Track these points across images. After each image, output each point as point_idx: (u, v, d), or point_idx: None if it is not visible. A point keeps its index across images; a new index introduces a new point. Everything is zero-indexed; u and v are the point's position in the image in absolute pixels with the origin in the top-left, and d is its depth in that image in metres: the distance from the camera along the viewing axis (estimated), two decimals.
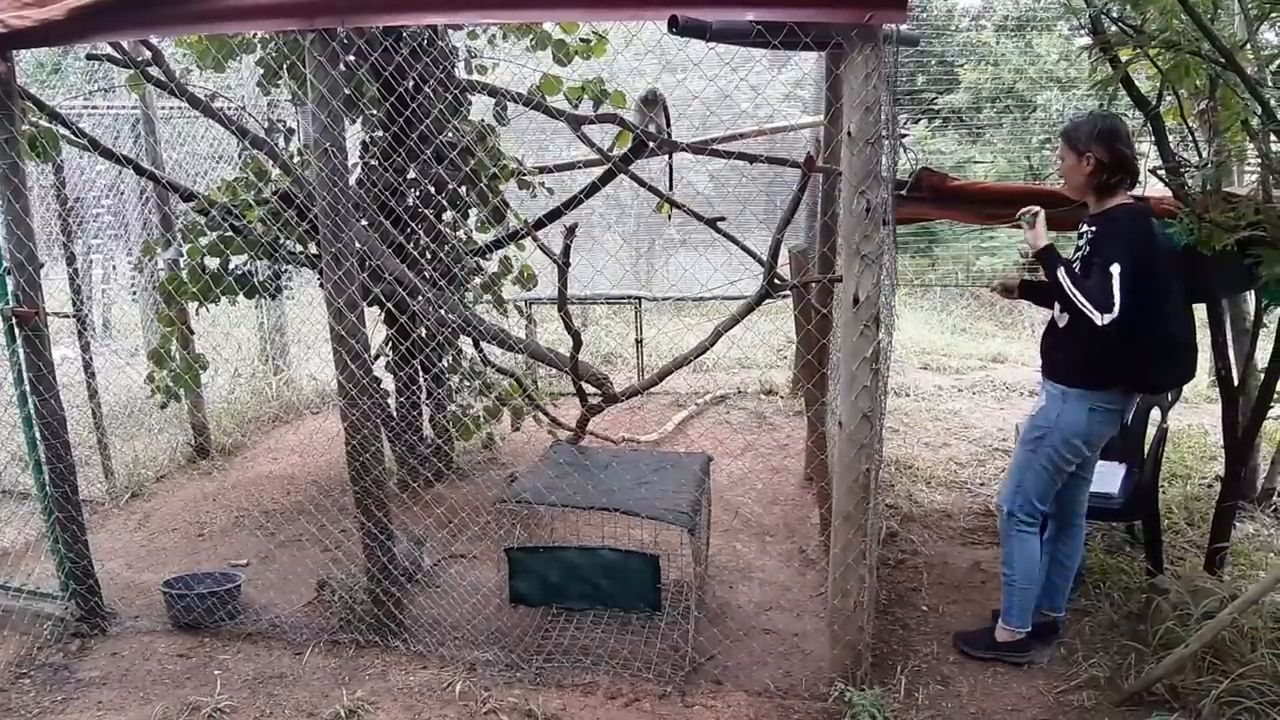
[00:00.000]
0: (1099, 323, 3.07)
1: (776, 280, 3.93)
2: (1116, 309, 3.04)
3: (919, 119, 12.17)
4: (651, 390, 5.32)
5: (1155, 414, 4.17)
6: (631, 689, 3.34)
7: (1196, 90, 3.58)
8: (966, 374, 8.25)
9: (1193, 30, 3.08)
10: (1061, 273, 3.19)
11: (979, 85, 12.29)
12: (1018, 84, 11.94)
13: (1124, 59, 3.41)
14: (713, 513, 4.40)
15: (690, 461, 4.17)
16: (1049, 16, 11.41)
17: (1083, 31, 3.65)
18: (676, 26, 3.03)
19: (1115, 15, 3.38)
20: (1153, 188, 3.65)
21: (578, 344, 4.67)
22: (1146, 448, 4.10)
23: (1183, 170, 3.52)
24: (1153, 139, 3.59)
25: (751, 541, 4.67)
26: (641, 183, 4.74)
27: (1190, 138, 3.78)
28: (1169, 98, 3.57)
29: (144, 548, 4.75)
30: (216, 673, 3.50)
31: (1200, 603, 3.32)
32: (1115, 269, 3.05)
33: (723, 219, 4.48)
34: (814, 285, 4.11)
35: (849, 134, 2.93)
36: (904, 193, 4.06)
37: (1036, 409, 3.43)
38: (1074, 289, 3.14)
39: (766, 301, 4.21)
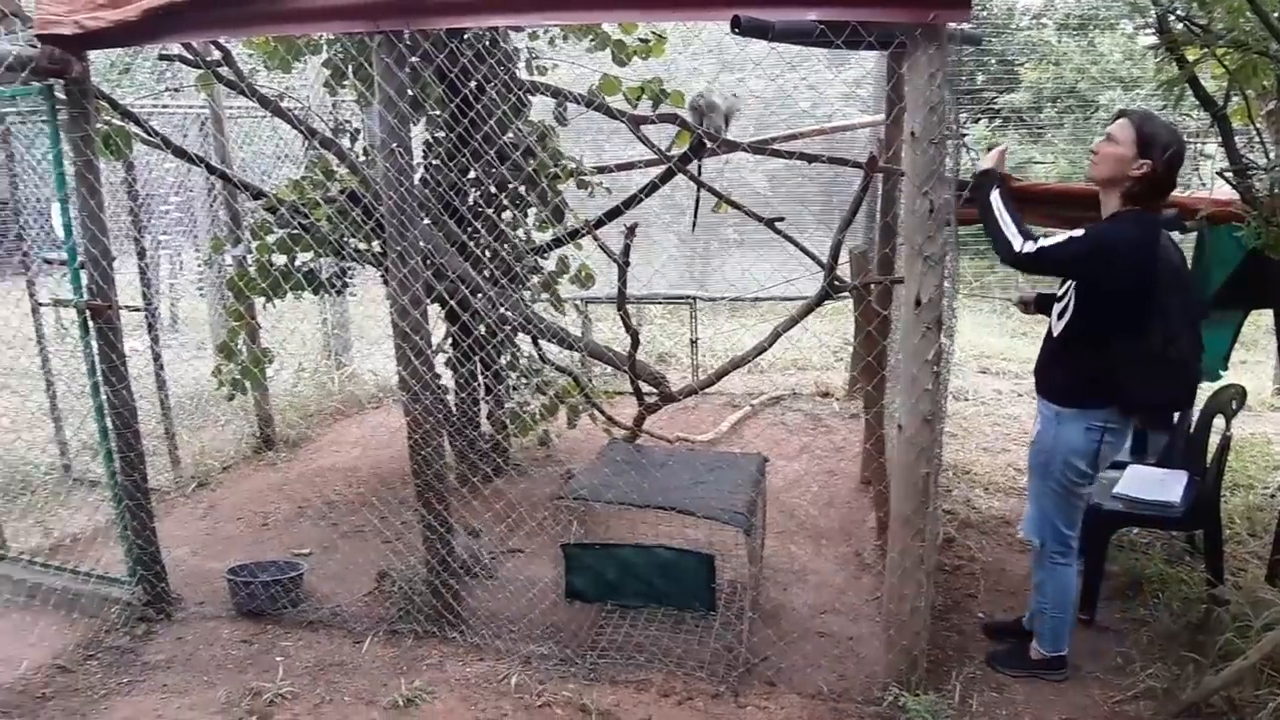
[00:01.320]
0: (1016, 248, 3.02)
1: (836, 282, 3.91)
2: (1036, 247, 2.98)
3: (979, 118, 12.01)
4: (706, 390, 5.32)
5: (1219, 422, 4.07)
6: (685, 687, 3.35)
7: (1264, 91, 3.48)
8: (1026, 379, 8.08)
9: (1261, 30, 3.00)
10: (995, 195, 3.12)
11: (1040, 84, 12.10)
12: (1080, 83, 11.73)
13: (1191, 58, 3.34)
14: (768, 514, 4.39)
15: (746, 462, 4.16)
16: (1112, 15, 11.20)
17: (1147, 30, 3.57)
18: (739, 26, 3.03)
19: (1182, 14, 3.31)
20: (1219, 190, 3.57)
21: (636, 343, 4.69)
22: (1209, 456, 4.01)
23: (1250, 172, 3.43)
24: (1220, 140, 3.51)
25: (806, 544, 4.65)
26: (700, 183, 4.73)
27: (1258, 139, 3.69)
28: (1236, 98, 3.48)
29: (209, 535, 4.86)
30: (278, 659, 3.58)
31: (1261, 614, 3.25)
32: (1078, 231, 2.99)
33: (781, 219, 4.47)
34: (874, 287, 4.07)
35: (912, 134, 2.91)
36: (966, 193, 4.03)
37: (1035, 433, 3.34)
38: (1003, 211, 3.08)
39: (824, 302, 4.19)
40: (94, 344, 3.74)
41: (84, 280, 3.70)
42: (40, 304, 5.40)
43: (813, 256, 4.45)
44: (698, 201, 4.92)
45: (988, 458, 5.96)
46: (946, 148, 3.00)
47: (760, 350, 4.39)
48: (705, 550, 3.68)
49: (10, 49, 3.48)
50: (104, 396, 3.77)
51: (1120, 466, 4.04)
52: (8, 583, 4.09)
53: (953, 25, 2.96)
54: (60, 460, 5.53)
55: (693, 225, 5.09)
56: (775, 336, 4.31)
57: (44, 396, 5.46)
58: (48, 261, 5.90)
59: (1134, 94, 10.71)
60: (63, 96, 3.56)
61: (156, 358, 5.45)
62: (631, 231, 4.21)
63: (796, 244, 4.57)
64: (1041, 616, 3.42)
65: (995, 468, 5.75)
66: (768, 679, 3.42)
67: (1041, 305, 3.56)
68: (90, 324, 3.72)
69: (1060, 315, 3.21)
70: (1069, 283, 3.18)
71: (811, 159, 4.64)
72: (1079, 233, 3.01)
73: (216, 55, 4.67)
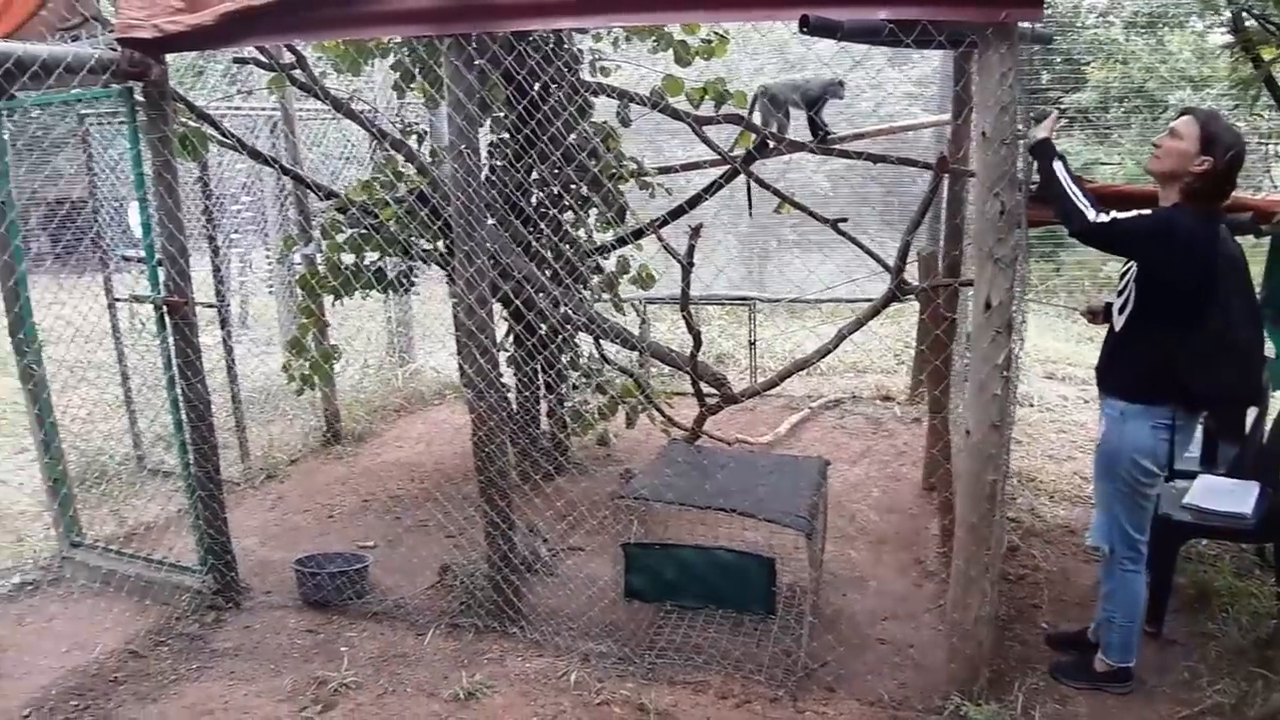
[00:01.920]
0: (1090, 217, 2.95)
1: (904, 284, 3.86)
2: (1110, 217, 2.92)
3: (1045, 118, 11.75)
4: (765, 392, 5.30)
5: None
6: (743, 690, 3.34)
7: None
8: (1092, 384, 7.85)
9: None
10: (1059, 165, 3.04)
11: (1107, 84, 11.82)
12: (1148, 83, 11.43)
13: (1267, 58, 3.24)
14: (828, 518, 4.36)
15: (807, 465, 4.14)
16: (1181, 12, 10.90)
17: (1219, 28, 3.48)
18: (808, 26, 3.01)
19: (1257, 11, 3.21)
20: None
21: (698, 343, 4.68)
22: None
23: None
24: None
25: (867, 549, 4.60)
26: (763, 184, 4.72)
27: None
28: None
29: (277, 527, 4.97)
30: (343, 649, 3.65)
31: None
32: (1145, 211, 2.95)
33: (844, 220, 4.44)
34: (943, 289, 4.02)
35: (984, 134, 2.86)
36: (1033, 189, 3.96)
37: (1100, 436, 3.27)
38: (1069, 181, 3.01)
39: (890, 304, 4.15)
40: (170, 339, 3.82)
41: (161, 277, 3.79)
42: (117, 299, 5.56)
43: (876, 258, 4.41)
44: (749, 192, 4.90)
45: (1053, 465, 5.85)
46: (1018, 148, 2.96)
47: (825, 352, 4.36)
48: (765, 553, 3.67)
49: (92, 52, 3.59)
50: (179, 390, 3.87)
51: (1190, 476, 3.95)
52: (84, 569, 4.23)
53: (1024, 24, 2.91)
54: (134, 451, 5.69)
55: (748, 211, 5.06)
56: (840, 338, 4.28)
57: (119, 389, 5.63)
58: (125, 259, 6.09)
59: (1204, 94, 10.41)
60: (141, 99, 3.65)
61: (229, 353, 5.58)
62: (696, 232, 4.22)
63: (860, 245, 4.53)
64: (1110, 626, 3.34)
65: (1061, 475, 5.64)
66: (827, 684, 3.40)
67: (1109, 315, 3.49)
68: (167, 320, 3.81)
69: (1121, 310, 3.17)
70: (1129, 275, 3.13)
71: (878, 159, 4.60)
72: (1147, 211, 2.99)
73: (289, 58, 4.77)
